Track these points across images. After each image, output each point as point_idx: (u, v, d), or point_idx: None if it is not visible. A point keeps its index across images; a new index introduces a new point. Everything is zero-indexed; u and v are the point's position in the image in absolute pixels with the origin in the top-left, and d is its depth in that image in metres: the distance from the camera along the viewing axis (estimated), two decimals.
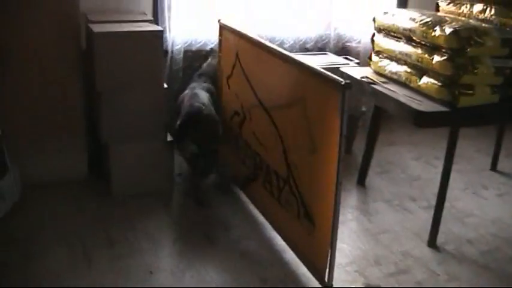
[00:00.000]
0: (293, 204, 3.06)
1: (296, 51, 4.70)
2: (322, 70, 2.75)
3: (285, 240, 3.27)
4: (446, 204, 3.46)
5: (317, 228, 2.87)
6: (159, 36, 3.68)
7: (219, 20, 3.89)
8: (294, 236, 3.15)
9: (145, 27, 3.71)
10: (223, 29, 3.85)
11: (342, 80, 2.56)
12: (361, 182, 4.14)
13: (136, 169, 3.74)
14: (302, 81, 2.94)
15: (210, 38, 4.46)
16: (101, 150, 3.83)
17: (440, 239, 3.46)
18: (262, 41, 3.42)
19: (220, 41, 3.93)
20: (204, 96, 3.80)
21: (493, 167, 4.56)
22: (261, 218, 3.56)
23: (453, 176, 3.42)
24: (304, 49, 4.81)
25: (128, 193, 3.72)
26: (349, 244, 3.39)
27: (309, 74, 2.86)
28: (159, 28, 3.80)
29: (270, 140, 3.28)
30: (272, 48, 3.25)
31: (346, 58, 4.62)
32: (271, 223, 3.44)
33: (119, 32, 3.60)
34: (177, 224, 3.52)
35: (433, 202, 3.47)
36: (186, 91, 3.91)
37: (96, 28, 3.60)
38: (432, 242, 3.44)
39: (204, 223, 3.53)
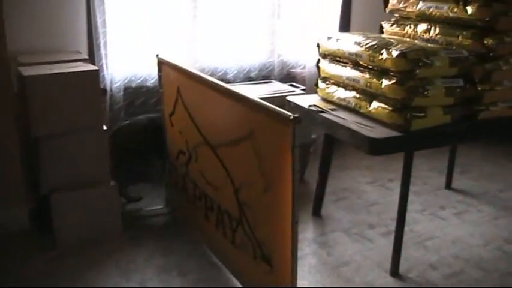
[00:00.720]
0: (248, 245, 2.89)
1: (240, 81, 4.61)
2: (269, 104, 2.60)
3: (242, 283, 3.10)
4: (406, 228, 3.36)
5: (275, 269, 2.72)
6: (94, 76, 3.49)
7: (157, 55, 3.72)
8: (251, 278, 2.98)
9: (79, 68, 3.51)
10: (162, 64, 3.69)
11: (290, 114, 2.41)
12: (317, 212, 4.00)
13: (80, 217, 3.53)
14: (249, 117, 2.79)
15: (150, 73, 4.30)
16: (42, 200, 3.59)
17: (403, 266, 3.36)
18: (204, 75, 3.27)
19: (160, 76, 3.76)
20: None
21: (448, 186, 4.53)
22: (215, 260, 3.39)
23: (409, 197, 3.32)
24: (249, 78, 4.69)
25: (73, 243, 3.50)
26: (310, 280, 3.26)
27: (256, 109, 2.70)
28: (93, 68, 3.59)
29: (218, 179, 3.11)
30: (215, 83, 3.09)
31: (292, 85, 4.53)
32: (226, 266, 3.27)
33: (50, 75, 3.38)
34: (128, 273, 3.31)
35: (392, 227, 3.38)
36: None
37: (27, 71, 3.39)
38: (395, 271, 3.33)
39: (158, 269, 3.33)
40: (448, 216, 4.07)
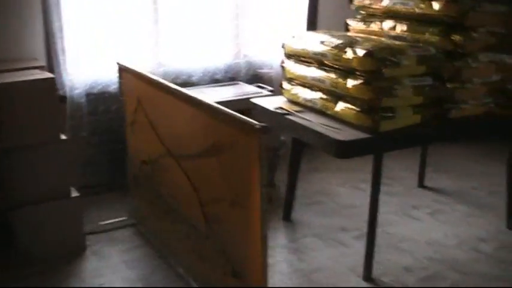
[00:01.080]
0: (217, 260, 2.76)
1: (206, 83, 4.48)
2: (233, 113, 2.45)
3: None
4: (379, 230, 3.27)
5: (246, 283, 2.59)
6: (50, 84, 3.33)
7: (117, 62, 3.57)
8: None
9: (34, 76, 3.35)
10: (123, 71, 3.54)
11: (257, 123, 2.27)
12: (287, 217, 3.89)
13: (43, 232, 3.38)
14: (213, 127, 2.65)
15: (112, 78, 4.15)
16: (3, 215, 3.42)
17: (376, 270, 3.26)
18: (165, 82, 3.13)
19: (120, 84, 3.61)
20: None
21: (421, 184, 4.46)
22: (182, 272, 3.25)
23: (382, 198, 3.24)
24: (214, 80, 4.56)
25: (37, 259, 3.35)
26: None
27: (220, 117, 2.56)
28: (49, 75, 3.42)
29: (184, 192, 2.96)
30: (176, 89, 2.95)
31: (259, 86, 4.41)
32: (195, 279, 3.12)
33: (2, 84, 3.22)
34: None
35: (366, 230, 3.26)
36: None
37: None
38: (368, 275, 3.24)
39: (124, 283, 3.20)
40: (422, 216, 4.00)
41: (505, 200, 3.83)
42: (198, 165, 2.81)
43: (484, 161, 4.97)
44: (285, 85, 3.52)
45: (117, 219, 3.85)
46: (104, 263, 3.39)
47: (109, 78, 4.18)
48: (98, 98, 4.22)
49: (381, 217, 3.29)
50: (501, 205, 3.89)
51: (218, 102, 2.91)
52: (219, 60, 4.62)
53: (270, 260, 2.75)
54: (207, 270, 2.93)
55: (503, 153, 3.79)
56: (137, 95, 3.35)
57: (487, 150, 5.04)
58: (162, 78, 3.64)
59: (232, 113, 2.45)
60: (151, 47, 4.31)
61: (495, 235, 3.74)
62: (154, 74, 3.66)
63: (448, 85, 3.14)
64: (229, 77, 4.64)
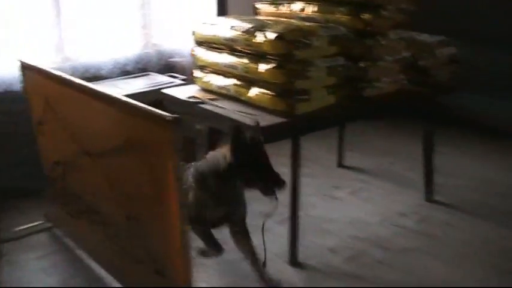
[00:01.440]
0: (140, 260, 2.67)
1: (116, 76, 4.33)
2: (143, 106, 2.36)
3: None
4: (301, 213, 3.26)
5: (169, 280, 2.53)
6: None
7: (19, 60, 3.39)
8: None
9: None
10: (26, 68, 3.36)
11: (168, 115, 2.20)
12: None
13: None
14: (124, 121, 2.54)
15: (16, 76, 3.94)
16: None
17: (302, 253, 3.26)
18: (72, 78, 2.98)
19: (24, 82, 3.43)
20: None
21: (340, 164, 4.49)
22: (104, 274, 3.12)
23: (303, 181, 3.22)
24: (125, 72, 4.42)
25: None
26: (209, 282, 3.10)
27: (130, 111, 2.46)
28: None
29: (101, 190, 2.86)
30: (84, 85, 2.81)
31: (171, 76, 4.31)
32: (118, 280, 3.01)
33: None
34: None
35: (288, 214, 3.24)
36: None
37: None
38: (294, 260, 3.23)
39: None
40: (343, 196, 4.04)
41: (422, 174, 3.90)
42: (113, 162, 2.70)
43: (401, 138, 5.06)
44: (197, 73, 3.44)
45: (32, 224, 3.67)
46: (21, 272, 3.24)
47: (13, 76, 3.98)
48: (2, 99, 4.01)
49: (303, 200, 3.28)
50: (419, 179, 3.96)
51: (130, 95, 2.83)
52: (129, 51, 4.48)
53: (194, 254, 2.68)
54: (129, 269, 2.84)
55: (418, 129, 3.85)
56: (44, 93, 3.19)
57: (403, 127, 5.12)
58: (70, 74, 3.51)
59: (142, 106, 2.36)
60: (55, 42, 4.14)
61: (415, 209, 3.81)
62: (61, 69, 3.51)
63: (361, 64, 3.15)
64: (140, 68, 4.51)
